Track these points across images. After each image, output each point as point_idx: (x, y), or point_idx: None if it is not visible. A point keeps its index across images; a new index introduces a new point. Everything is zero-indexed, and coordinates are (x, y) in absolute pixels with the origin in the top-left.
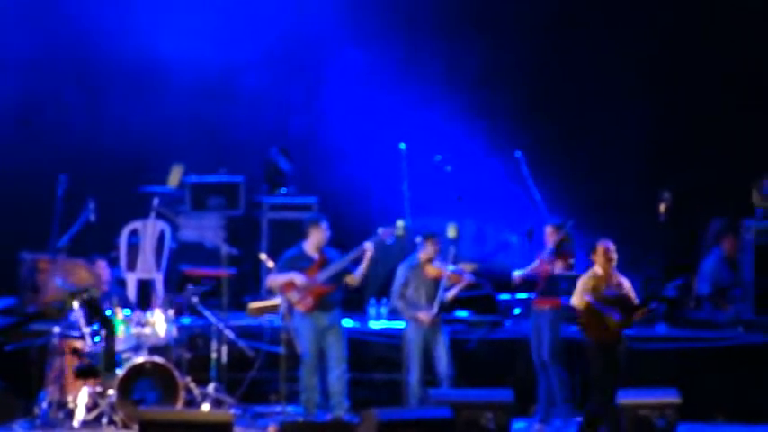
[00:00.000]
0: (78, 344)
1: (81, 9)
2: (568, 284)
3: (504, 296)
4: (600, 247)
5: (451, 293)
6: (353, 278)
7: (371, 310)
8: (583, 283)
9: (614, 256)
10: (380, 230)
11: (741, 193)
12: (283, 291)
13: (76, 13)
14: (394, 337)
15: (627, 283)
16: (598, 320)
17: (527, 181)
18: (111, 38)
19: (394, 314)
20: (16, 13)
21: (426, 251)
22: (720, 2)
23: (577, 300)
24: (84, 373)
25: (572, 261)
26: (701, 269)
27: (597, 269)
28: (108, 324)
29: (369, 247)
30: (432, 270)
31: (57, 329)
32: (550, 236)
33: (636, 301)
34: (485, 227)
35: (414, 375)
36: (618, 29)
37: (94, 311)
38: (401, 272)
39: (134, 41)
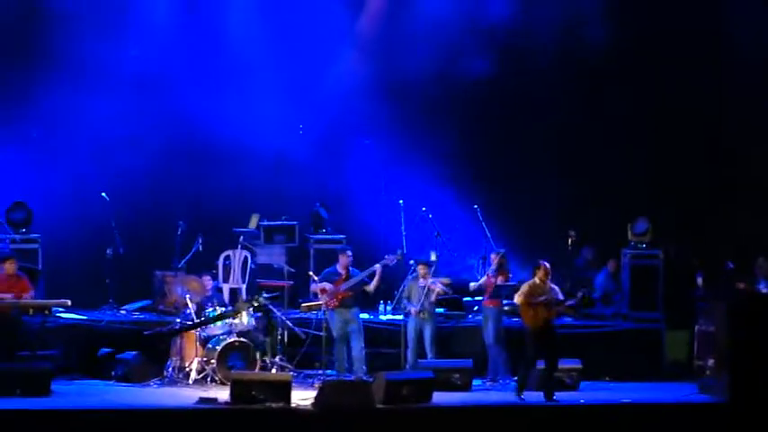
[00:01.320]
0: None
1: (188, 102)
2: (507, 291)
3: (467, 299)
4: (542, 266)
5: (434, 297)
6: (369, 288)
7: (381, 308)
8: (524, 288)
9: (550, 272)
10: (387, 257)
11: (621, 229)
12: (318, 294)
13: (184, 104)
14: (396, 326)
15: (557, 288)
16: (533, 313)
17: (481, 224)
18: (208, 126)
19: (396, 310)
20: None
21: (422, 269)
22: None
23: (518, 299)
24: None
25: (509, 276)
26: (595, 281)
27: (536, 280)
28: (270, 321)
29: (378, 267)
30: (422, 282)
31: (177, 320)
32: (494, 259)
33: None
34: (454, 254)
35: (409, 351)
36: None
37: (263, 312)
38: (404, 284)
39: (224, 130)
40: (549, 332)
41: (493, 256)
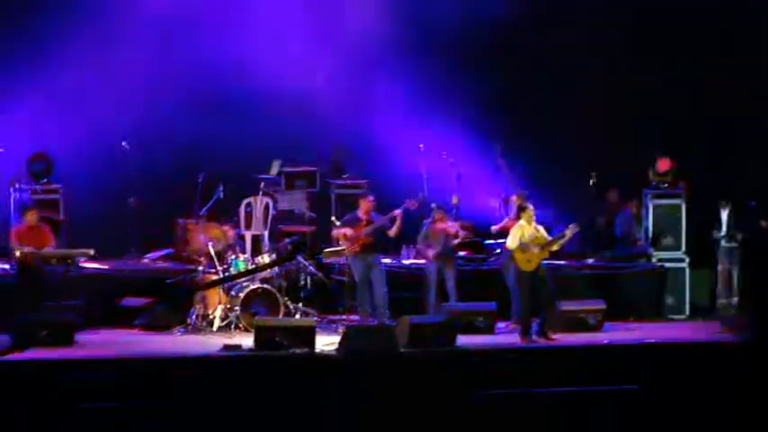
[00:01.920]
0: (215, 277)
1: (209, 49)
2: None
3: (489, 242)
4: (527, 208)
5: (455, 241)
6: (391, 232)
7: (403, 252)
8: (514, 232)
9: (533, 212)
10: (407, 201)
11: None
12: (340, 240)
13: (205, 52)
14: (418, 270)
15: (542, 228)
16: (527, 256)
17: (502, 167)
18: (228, 73)
19: (418, 255)
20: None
21: (438, 213)
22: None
23: (511, 244)
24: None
25: None
26: (617, 221)
27: (523, 222)
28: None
29: (398, 212)
30: (440, 226)
31: (200, 267)
32: (515, 202)
33: (548, 239)
34: (475, 197)
35: (432, 294)
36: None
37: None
38: (423, 228)
39: (244, 77)
40: (542, 273)
41: (513, 198)
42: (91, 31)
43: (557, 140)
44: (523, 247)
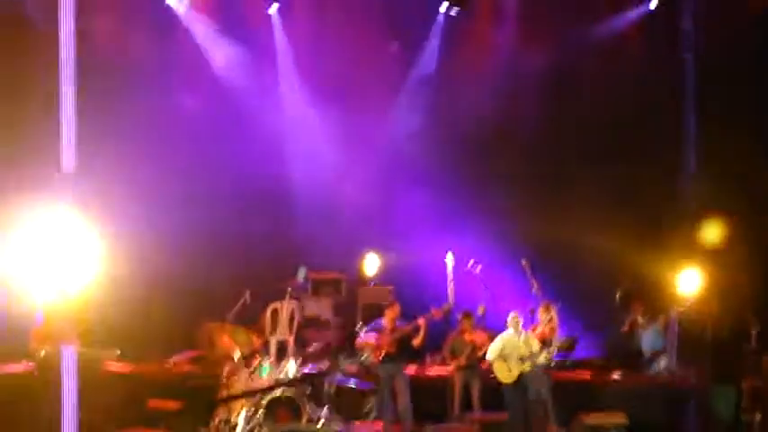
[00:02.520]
0: (238, 381)
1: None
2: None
3: None
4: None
5: (482, 352)
6: (415, 341)
7: (428, 361)
8: (497, 343)
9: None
10: (433, 309)
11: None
12: (364, 348)
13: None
14: (443, 379)
15: (533, 339)
16: (508, 366)
17: (528, 279)
18: (257, 177)
19: (442, 363)
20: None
21: (465, 323)
22: None
23: (491, 356)
24: None
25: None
26: (643, 338)
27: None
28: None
29: (422, 321)
30: (467, 336)
31: (225, 371)
32: (541, 313)
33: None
34: (501, 307)
35: (456, 404)
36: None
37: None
38: (450, 338)
39: (274, 182)
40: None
41: (541, 309)
42: (119, 131)
43: (583, 251)
44: (504, 357)
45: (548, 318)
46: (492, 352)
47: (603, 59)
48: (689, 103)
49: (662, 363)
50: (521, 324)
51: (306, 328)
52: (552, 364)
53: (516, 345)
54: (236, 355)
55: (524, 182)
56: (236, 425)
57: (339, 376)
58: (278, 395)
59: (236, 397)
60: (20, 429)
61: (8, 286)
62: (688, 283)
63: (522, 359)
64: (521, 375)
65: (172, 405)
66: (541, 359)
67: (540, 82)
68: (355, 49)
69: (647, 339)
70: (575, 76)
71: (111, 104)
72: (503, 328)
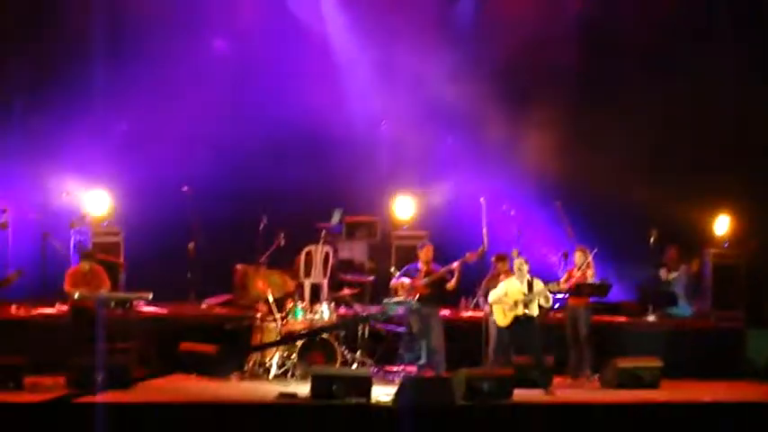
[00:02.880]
0: (272, 324)
1: (271, 96)
2: (592, 289)
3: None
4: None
5: None
6: (449, 285)
7: (462, 303)
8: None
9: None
10: (467, 253)
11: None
12: (397, 290)
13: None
14: (477, 322)
15: (537, 281)
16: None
17: (562, 222)
18: (291, 120)
19: (476, 307)
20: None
21: (500, 266)
22: None
23: (492, 299)
24: None
25: (593, 272)
26: (677, 279)
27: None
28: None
29: (456, 265)
30: (502, 278)
31: (258, 314)
32: (578, 258)
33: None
34: (535, 250)
35: (490, 347)
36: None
37: None
38: (485, 281)
39: (308, 124)
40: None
41: (578, 253)
42: (156, 74)
43: (617, 195)
44: (503, 301)
45: (585, 262)
46: (493, 296)
47: (639, 5)
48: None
49: (696, 306)
50: (527, 268)
51: (340, 271)
52: (552, 306)
53: (518, 290)
54: (270, 298)
55: (560, 126)
56: (269, 367)
57: (379, 319)
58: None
59: (277, 343)
60: (53, 371)
61: (43, 229)
62: (723, 225)
63: (516, 303)
64: (515, 319)
65: (205, 348)
66: (541, 301)
67: (577, 28)
68: None
69: (681, 282)
70: (611, 24)
71: (145, 49)
72: (537, 271)
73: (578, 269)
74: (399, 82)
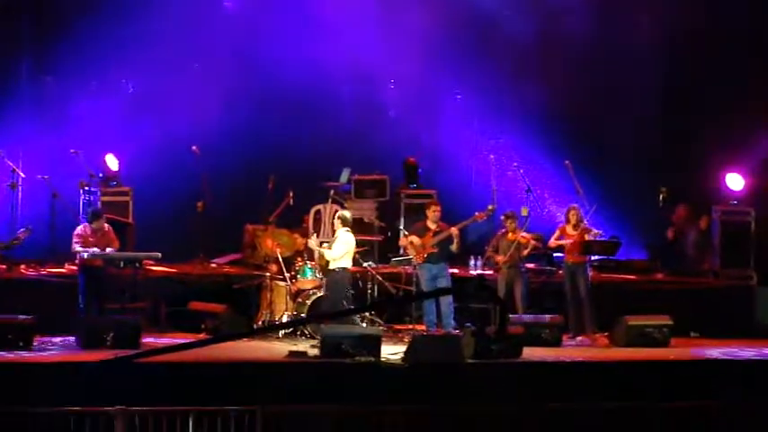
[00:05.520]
0: (281, 283)
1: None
2: (598, 247)
3: (557, 255)
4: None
5: (526, 251)
6: (452, 248)
7: (471, 262)
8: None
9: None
10: (476, 213)
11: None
12: (407, 248)
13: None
14: (486, 280)
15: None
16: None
17: (572, 179)
18: (299, 79)
19: (486, 265)
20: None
21: (510, 223)
22: None
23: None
24: None
25: (597, 231)
26: (687, 237)
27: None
28: None
29: (454, 230)
30: (511, 236)
31: (268, 274)
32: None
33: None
34: (545, 208)
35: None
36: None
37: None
38: (494, 238)
39: (315, 84)
40: None
41: (571, 212)
42: (164, 35)
43: (627, 153)
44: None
45: (579, 220)
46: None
47: None
48: None
49: (705, 263)
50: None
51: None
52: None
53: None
54: (279, 257)
55: (571, 84)
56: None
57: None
58: (321, 295)
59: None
60: (63, 330)
61: (52, 189)
62: (732, 183)
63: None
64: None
65: (214, 307)
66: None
67: None
68: None
69: (690, 240)
70: None
71: (155, 7)
72: (546, 228)
73: (573, 227)
74: (408, 39)
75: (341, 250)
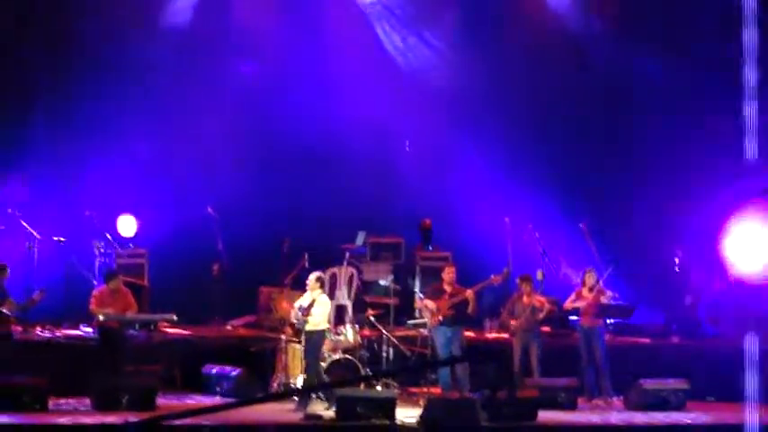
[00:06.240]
0: (297, 346)
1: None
2: (613, 310)
3: (573, 318)
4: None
5: (541, 315)
6: (468, 311)
7: (486, 325)
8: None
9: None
10: (492, 276)
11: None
12: (422, 311)
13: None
14: (502, 343)
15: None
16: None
17: (587, 242)
18: (314, 143)
19: (502, 327)
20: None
21: (525, 287)
22: None
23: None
24: None
25: (611, 294)
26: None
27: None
28: None
29: (470, 292)
30: (526, 300)
31: (283, 336)
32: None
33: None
34: (559, 272)
35: (516, 366)
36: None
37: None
38: (509, 301)
39: (331, 147)
40: None
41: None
42: (178, 98)
43: (642, 218)
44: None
45: (595, 284)
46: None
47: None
48: None
49: (720, 326)
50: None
51: (364, 292)
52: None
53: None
54: (295, 321)
55: (584, 145)
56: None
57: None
58: (337, 358)
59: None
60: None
61: (67, 251)
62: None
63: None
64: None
65: (229, 370)
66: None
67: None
68: None
69: (705, 304)
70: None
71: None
72: (562, 291)
73: (589, 290)
74: (423, 100)
75: (323, 314)
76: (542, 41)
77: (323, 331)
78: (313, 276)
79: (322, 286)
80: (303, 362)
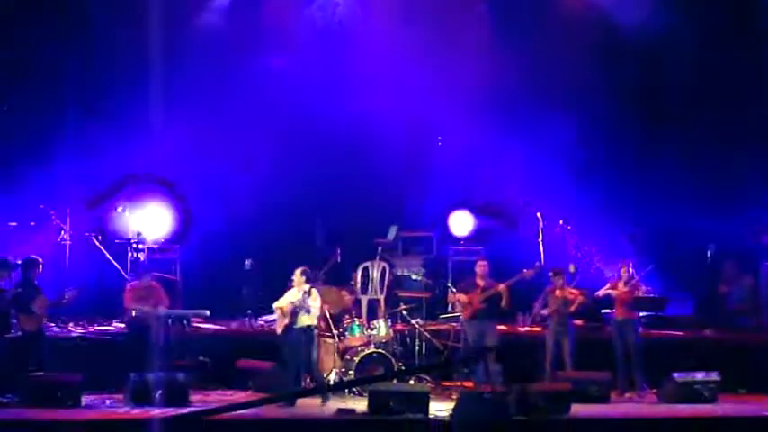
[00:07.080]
0: (329, 340)
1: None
2: (648, 303)
3: (605, 311)
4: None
5: (573, 307)
6: (502, 304)
7: (519, 318)
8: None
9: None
10: (524, 270)
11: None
12: (454, 305)
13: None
14: (534, 336)
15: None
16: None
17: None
18: (348, 138)
19: (535, 321)
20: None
21: (558, 280)
22: None
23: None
24: None
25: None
26: (733, 294)
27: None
28: None
29: (503, 287)
30: (558, 293)
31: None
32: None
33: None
34: (592, 265)
35: (547, 362)
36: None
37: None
38: (542, 295)
39: (364, 142)
40: None
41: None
42: (214, 88)
43: (670, 209)
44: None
45: (630, 277)
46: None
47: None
48: None
49: (753, 319)
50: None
51: (397, 287)
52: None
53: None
54: (327, 314)
55: (619, 138)
56: (327, 381)
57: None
58: (370, 352)
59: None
60: (111, 388)
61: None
62: None
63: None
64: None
65: (261, 365)
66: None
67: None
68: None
69: (736, 296)
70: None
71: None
72: (595, 285)
73: (624, 283)
74: (456, 93)
75: (318, 307)
76: (581, 33)
77: (314, 325)
78: (298, 271)
79: (308, 280)
80: (303, 356)
